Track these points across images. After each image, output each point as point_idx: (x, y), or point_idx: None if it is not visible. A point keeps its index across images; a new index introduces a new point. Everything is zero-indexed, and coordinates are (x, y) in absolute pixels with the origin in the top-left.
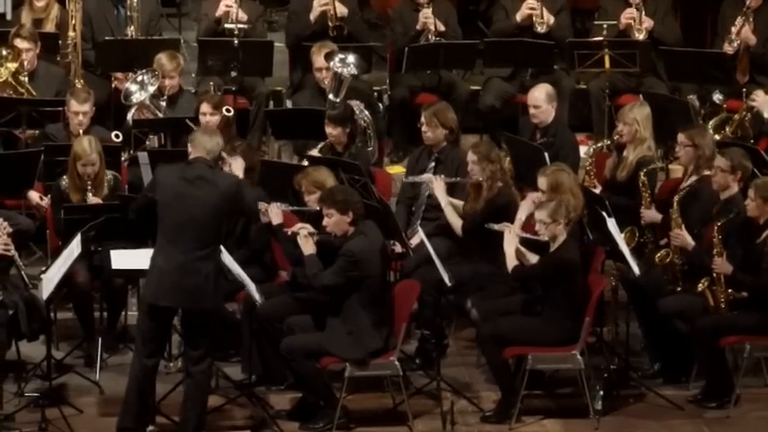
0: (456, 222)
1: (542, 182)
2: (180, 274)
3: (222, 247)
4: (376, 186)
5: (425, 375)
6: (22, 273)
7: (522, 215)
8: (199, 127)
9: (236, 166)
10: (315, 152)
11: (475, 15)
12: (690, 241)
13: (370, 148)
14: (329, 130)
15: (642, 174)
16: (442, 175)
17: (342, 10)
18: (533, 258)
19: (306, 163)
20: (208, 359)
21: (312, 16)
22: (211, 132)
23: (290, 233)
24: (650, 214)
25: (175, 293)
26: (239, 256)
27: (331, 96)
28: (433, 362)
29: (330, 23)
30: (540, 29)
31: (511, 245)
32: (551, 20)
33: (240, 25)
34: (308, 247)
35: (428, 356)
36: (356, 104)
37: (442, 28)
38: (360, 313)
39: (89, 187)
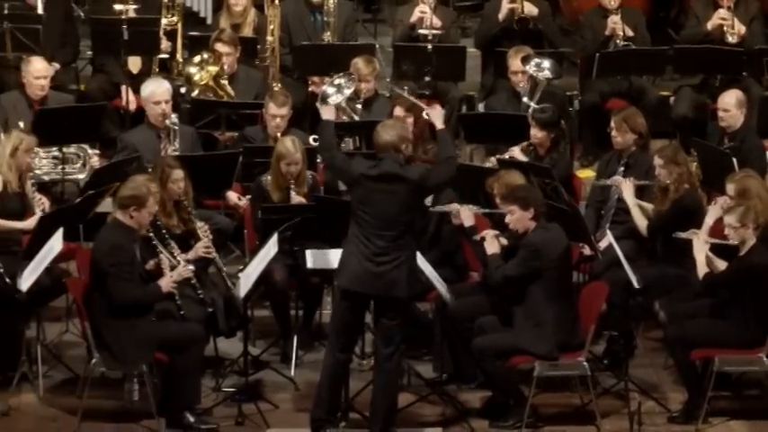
0: (642, 223)
1: (730, 188)
2: (375, 263)
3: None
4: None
5: (613, 376)
6: (222, 272)
7: (710, 220)
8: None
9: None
10: (516, 150)
11: (664, 22)
12: None
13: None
14: (534, 132)
15: None
16: (632, 178)
17: (531, 9)
18: (721, 264)
19: (490, 164)
20: (398, 355)
21: (501, 15)
22: (389, 126)
23: (478, 238)
24: None
25: (369, 281)
26: (431, 257)
27: (525, 100)
28: (621, 362)
29: (515, 17)
30: (732, 39)
31: (701, 252)
32: (742, 29)
33: (434, 31)
34: (492, 247)
35: (616, 357)
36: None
37: (630, 33)
38: (544, 307)
39: (292, 186)
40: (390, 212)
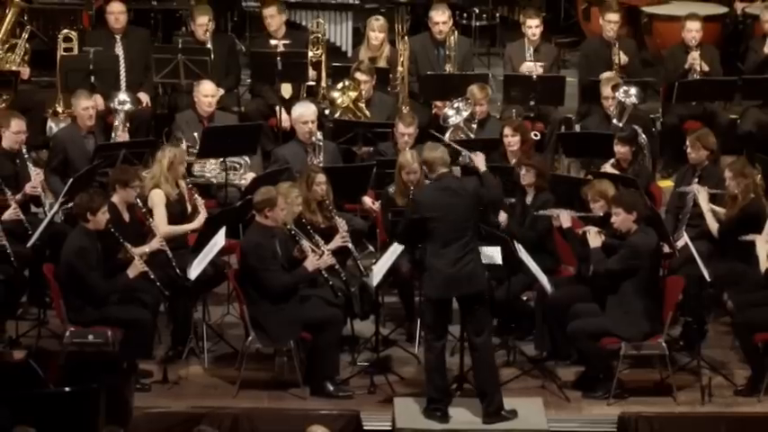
0: (714, 226)
1: None
2: (457, 267)
3: (520, 246)
4: (650, 197)
5: (688, 355)
6: (358, 263)
7: None
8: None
9: (479, 161)
10: (607, 166)
11: (735, 56)
12: None
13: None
14: (618, 148)
15: None
16: (706, 187)
17: (624, 59)
18: None
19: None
20: (486, 332)
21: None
22: (434, 148)
23: (580, 232)
24: None
25: (455, 284)
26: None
27: (614, 121)
28: (694, 344)
29: (615, 68)
30: None
31: (763, 250)
32: None
33: (540, 63)
34: (595, 241)
35: (690, 339)
36: (637, 129)
37: (706, 68)
38: (634, 299)
39: (411, 193)
40: (458, 220)
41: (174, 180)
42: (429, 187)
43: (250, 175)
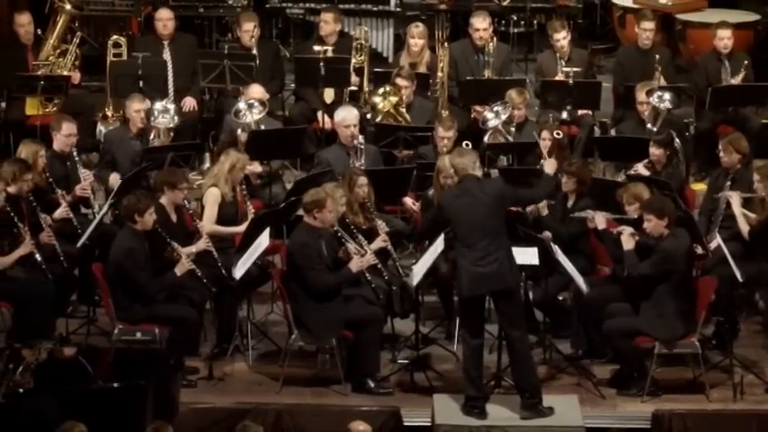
0: (744, 229)
1: None
2: (480, 266)
3: (557, 247)
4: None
5: (720, 354)
6: (397, 264)
7: None
8: None
9: (549, 166)
10: (640, 166)
11: (766, 62)
12: None
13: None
14: (653, 150)
15: None
16: (738, 192)
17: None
18: None
19: (622, 178)
20: (521, 328)
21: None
22: (461, 153)
23: (615, 232)
24: None
25: (484, 281)
26: (563, 247)
27: (649, 126)
28: (726, 343)
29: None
30: None
31: None
32: None
33: (575, 69)
34: (628, 243)
35: (723, 338)
36: (672, 133)
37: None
38: (667, 301)
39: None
40: (477, 221)
41: (233, 184)
42: (449, 191)
43: None
